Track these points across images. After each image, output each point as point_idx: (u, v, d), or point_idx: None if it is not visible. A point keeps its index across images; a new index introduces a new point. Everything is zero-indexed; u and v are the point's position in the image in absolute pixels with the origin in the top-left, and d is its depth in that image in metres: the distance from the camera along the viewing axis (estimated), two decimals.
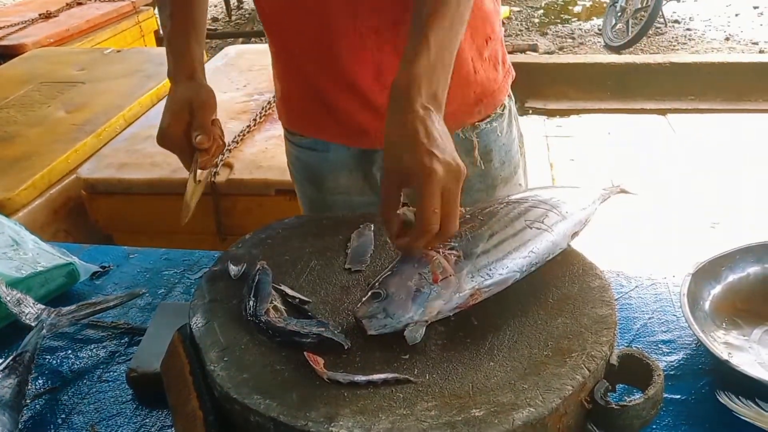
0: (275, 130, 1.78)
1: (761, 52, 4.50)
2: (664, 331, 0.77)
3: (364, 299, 0.68)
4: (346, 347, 0.67)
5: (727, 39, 4.78)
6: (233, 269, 0.78)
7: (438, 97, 0.68)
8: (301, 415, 0.58)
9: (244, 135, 1.72)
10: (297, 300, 0.72)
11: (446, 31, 0.70)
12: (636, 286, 0.85)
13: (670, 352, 0.75)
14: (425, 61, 0.67)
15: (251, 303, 0.70)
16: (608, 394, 0.62)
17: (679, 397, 0.69)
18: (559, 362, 0.63)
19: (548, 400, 0.58)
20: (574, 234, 0.76)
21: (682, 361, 0.73)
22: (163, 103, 0.94)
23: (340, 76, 0.92)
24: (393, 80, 0.68)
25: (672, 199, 2.60)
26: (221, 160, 1.59)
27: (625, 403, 0.60)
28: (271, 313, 0.71)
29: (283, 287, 0.74)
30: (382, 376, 0.62)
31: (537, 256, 0.72)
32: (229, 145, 1.65)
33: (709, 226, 2.44)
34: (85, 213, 1.65)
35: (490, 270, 0.69)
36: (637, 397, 0.60)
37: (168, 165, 1.61)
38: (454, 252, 0.70)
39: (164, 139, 0.90)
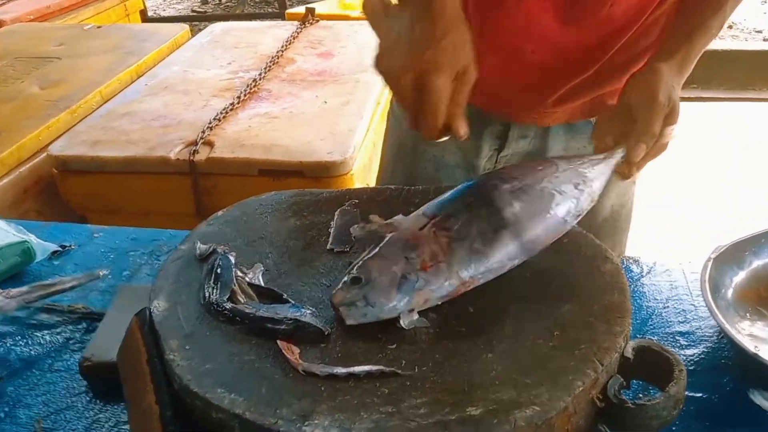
0: (260, 108, 1.69)
1: (765, 40, 4.43)
2: (681, 322, 0.70)
3: (341, 284, 0.60)
4: (325, 333, 0.59)
5: (731, 27, 4.69)
6: (200, 248, 0.70)
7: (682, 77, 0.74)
8: (270, 411, 0.50)
9: (227, 112, 1.63)
10: (262, 288, 0.64)
11: (709, 34, 0.76)
12: (648, 272, 0.77)
13: (689, 345, 0.67)
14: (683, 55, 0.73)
15: (211, 290, 0.62)
16: (622, 391, 0.55)
17: (700, 395, 0.62)
18: (566, 355, 0.55)
19: (555, 397, 0.51)
20: (580, 214, 0.68)
21: (702, 355, 0.66)
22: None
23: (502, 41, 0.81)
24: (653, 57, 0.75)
25: (676, 188, 2.53)
26: (201, 138, 1.50)
27: (644, 402, 0.52)
28: (239, 297, 0.63)
29: (246, 275, 0.65)
30: (365, 368, 0.54)
31: (539, 239, 0.64)
32: (210, 123, 1.56)
33: (715, 215, 2.38)
34: (57, 192, 1.56)
35: (487, 255, 0.61)
36: (656, 396, 0.53)
37: (144, 142, 1.53)
38: (445, 232, 0.62)
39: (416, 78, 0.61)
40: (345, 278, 0.61)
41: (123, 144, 1.53)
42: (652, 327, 0.70)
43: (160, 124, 1.61)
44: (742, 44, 4.13)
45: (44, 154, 1.59)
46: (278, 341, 0.58)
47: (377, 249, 0.62)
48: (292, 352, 0.57)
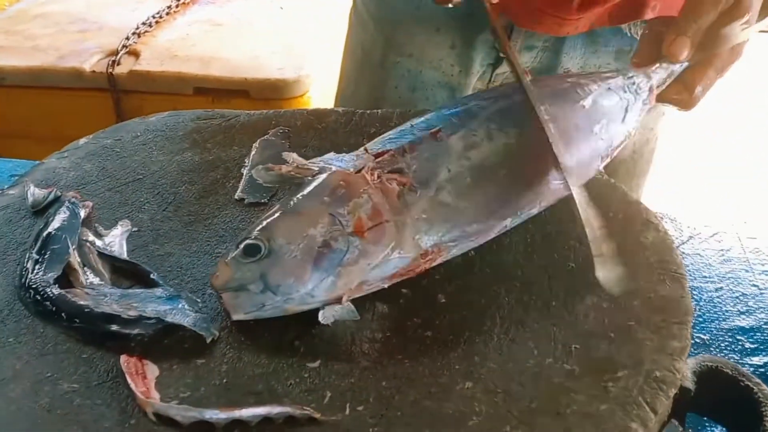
0: (204, 14, 1.41)
1: None
2: (742, 313, 0.49)
3: (230, 256, 0.38)
4: (209, 340, 0.37)
5: None
6: (35, 195, 0.46)
7: None
8: None
9: (161, 17, 1.34)
10: (120, 261, 0.42)
11: None
12: (690, 238, 0.55)
13: (757, 350, 0.46)
14: None
15: (33, 264, 0.39)
16: None
17: None
18: (594, 389, 0.34)
19: None
20: (606, 155, 0.45)
21: None
22: None
23: None
24: None
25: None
26: (124, 47, 1.22)
27: None
28: (80, 276, 0.40)
29: (102, 239, 0.42)
30: (261, 410, 0.33)
31: (543, 191, 0.42)
32: (137, 29, 1.28)
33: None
34: None
35: (460, 210, 0.39)
36: None
37: (55, 50, 1.25)
38: (397, 178, 0.39)
39: None
40: (236, 247, 0.38)
41: (28, 51, 1.25)
42: (700, 320, 0.49)
43: (77, 28, 1.33)
44: None
45: None
46: (122, 358, 0.35)
47: (291, 202, 0.39)
48: (144, 378, 0.34)
